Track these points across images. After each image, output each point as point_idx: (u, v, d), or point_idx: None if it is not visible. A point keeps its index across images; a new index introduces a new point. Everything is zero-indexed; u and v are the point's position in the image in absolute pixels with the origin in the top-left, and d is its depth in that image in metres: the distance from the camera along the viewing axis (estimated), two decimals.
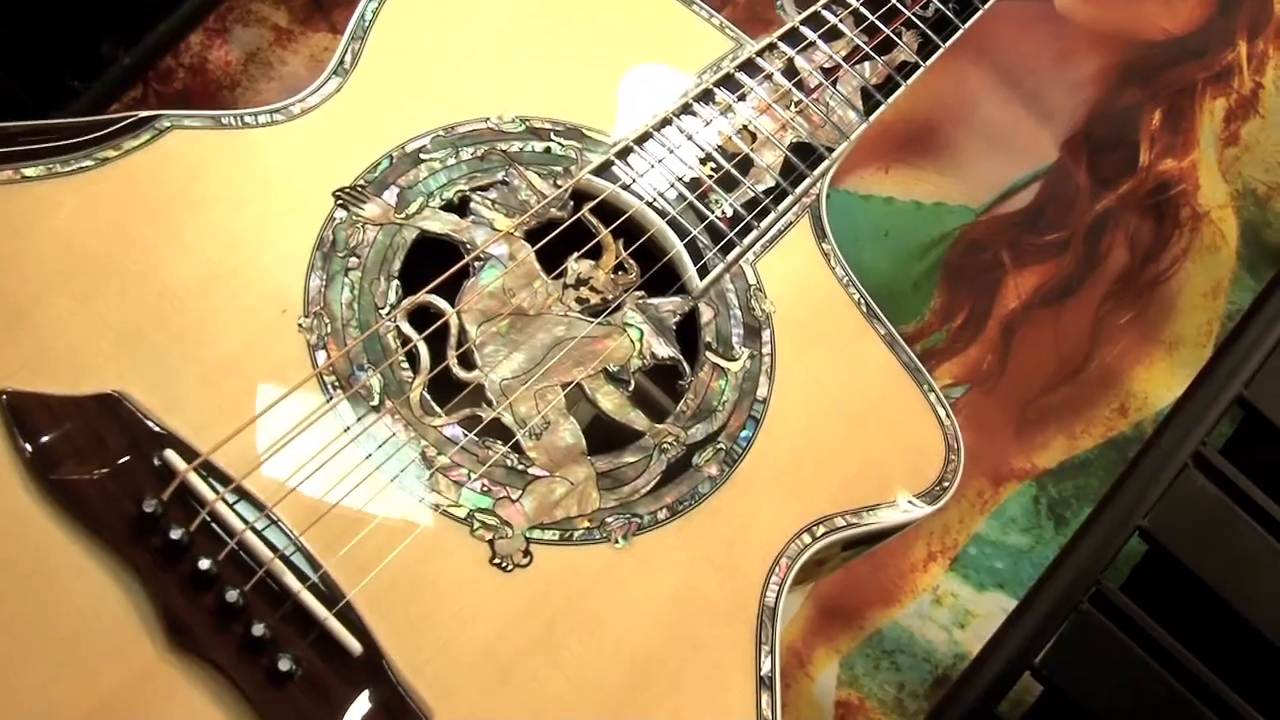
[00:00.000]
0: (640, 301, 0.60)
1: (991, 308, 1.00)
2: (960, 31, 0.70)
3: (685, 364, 0.59)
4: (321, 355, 0.55)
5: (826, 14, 0.69)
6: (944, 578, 0.96)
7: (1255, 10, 1.06)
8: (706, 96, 0.65)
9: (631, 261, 0.60)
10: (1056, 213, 1.01)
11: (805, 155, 0.65)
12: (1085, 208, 1.01)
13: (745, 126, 0.64)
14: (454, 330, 0.57)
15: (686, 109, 0.64)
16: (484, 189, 0.61)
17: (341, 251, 0.58)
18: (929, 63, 0.69)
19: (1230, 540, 0.84)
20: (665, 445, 0.57)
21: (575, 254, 0.60)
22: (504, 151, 0.62)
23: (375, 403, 0.54)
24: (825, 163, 0.64)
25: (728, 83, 0.66)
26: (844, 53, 0.68)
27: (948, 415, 0.63)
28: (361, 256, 0.58)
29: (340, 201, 0.59)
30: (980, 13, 0.71)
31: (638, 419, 0.58)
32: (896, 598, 0.95)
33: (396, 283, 0.58)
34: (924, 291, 0.99)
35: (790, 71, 0.66)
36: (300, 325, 0.55)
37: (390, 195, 0.60)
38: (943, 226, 1.00)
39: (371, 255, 0.58)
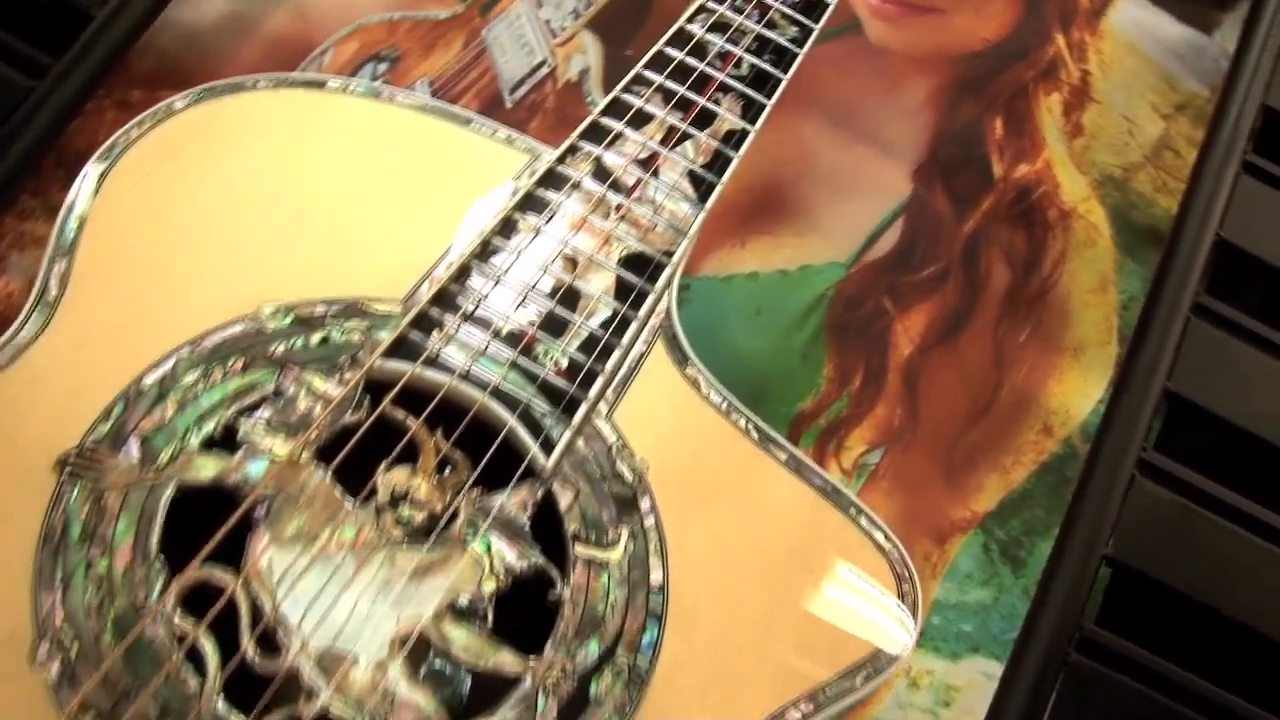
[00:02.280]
0: (478, 504, 0.42)
1: (887, 360, 0.83)
2: (784, 83, 0.55)
3: (553, 569, 0.42)
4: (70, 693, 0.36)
5: (629, 97, 0.53)
6: (914, 657, 0.79)
7: (1062, 1, 0.94)
8: (507, 228, 0.48)
9: (457, 455, 0.43)
10: (926, 246, 0.86)
11: (641, 268, 0.48)
12: (953, 233, 0.86)
13: (561, 252, 0.48)
14: (244, 606, 0.39)
15: (486, 249, 0.47)
16: (252, 409, 0.43)
17: (78, 541, 0.39)
18: (758, 126, 0.54)
19: (1197, 540, 0.71)
20: (551, 683, 0.40)
21: (384, 464, 0.42)
22: (270, 355, 0.44)
23: None
24: (667, 271, 0.48)
25: (529, 205, 0.49)
26: (659, 137, 0.52)
27: (887, 537, 0.46)
28: (106, 539, 0.40)
29: (66, 474, 0.40)
30: (800, 59, 0.56)
31: (507, 659, 0.39)
32: (869, 695, 0.77)
33: (159, 563, 0.40)
34: (813, 360, 0.83)
35: (601, 173, 0.50)
36: (36, 662, 0.37)
37: (132, 449, 0.41)
38: (815, 289, 0.84)
39: (119, 534, 0.40)
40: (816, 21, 0.57)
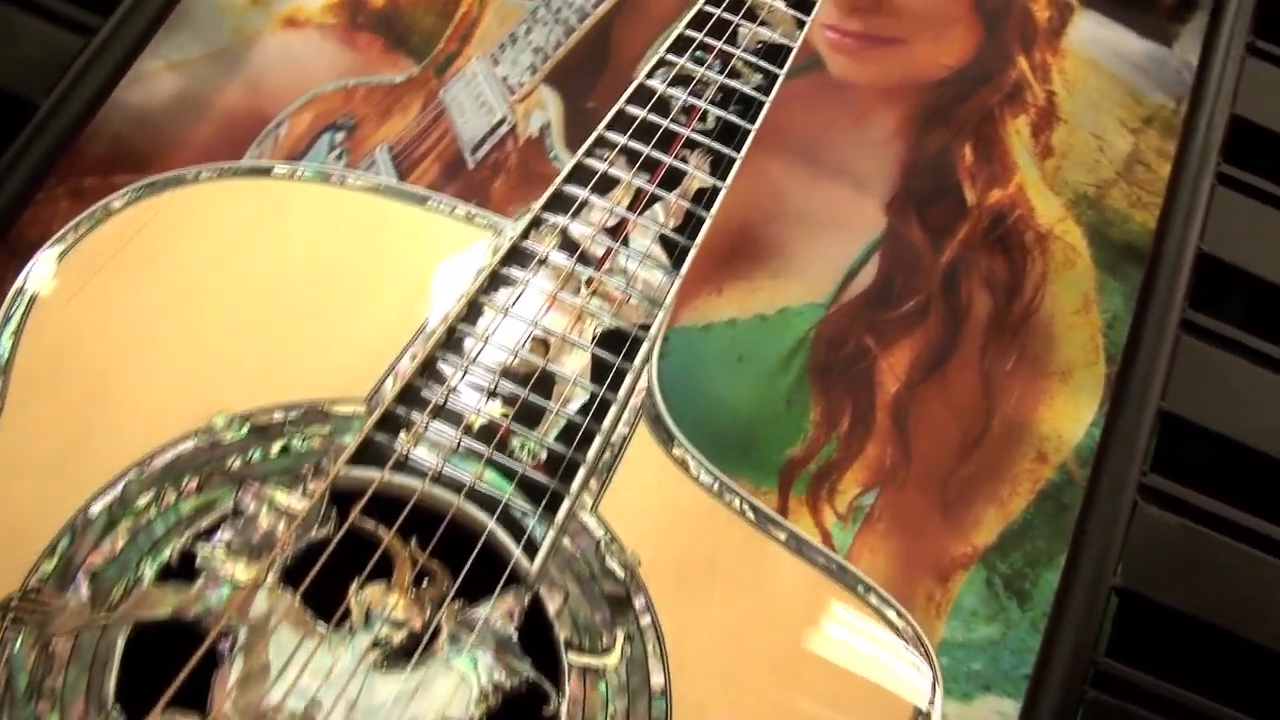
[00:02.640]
0: (461, 618, 0.39)
1: (874, 399, 0.80)
2: (752, 134, 0.52)
3: (546, 682, 0.38)
4: None
5: (591, 161, 0.49)
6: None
7: (1021, 23, 0.92)
8: (472, 313, 0.45)
9: (435, 565, 0.39)
10: (905, 279, 0.83)
11: (617, 346, 0.45)
12: (931, 265, 0.83)
13: (532, 334, 0.44)
14: None
15: (452, 337, 0.44)
16: (211, 532, 0.39)
17: (24, 696, 0.35)
18: (729, 181, 0.51)
19: (1205, 563, 0.69)
20: None
21: (356, 581, 0.39)
22: (227, 471, 0.40)
23: None
24: (645, 346, 0.44)
25: (494, 286, 0.46)
26: (626, 201, 0.49)
27: (899, 615, 0.43)
28: (56, 691, 0.36)
29: (9, 620, 0.36)
30: (767, 107, 0.53)
31: None
32: None
33: (116, 712, 0.36)
34: (799, 406, 0.79)
35: (568, 246, 0.47)
36: None
37: (81, 586, 0.38)
38: (795, 332, 0.81)
39: (70, 684, 0.36)
40: (781, 66, 0.54)
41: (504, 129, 0.82)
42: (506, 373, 0.43)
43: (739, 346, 0.80)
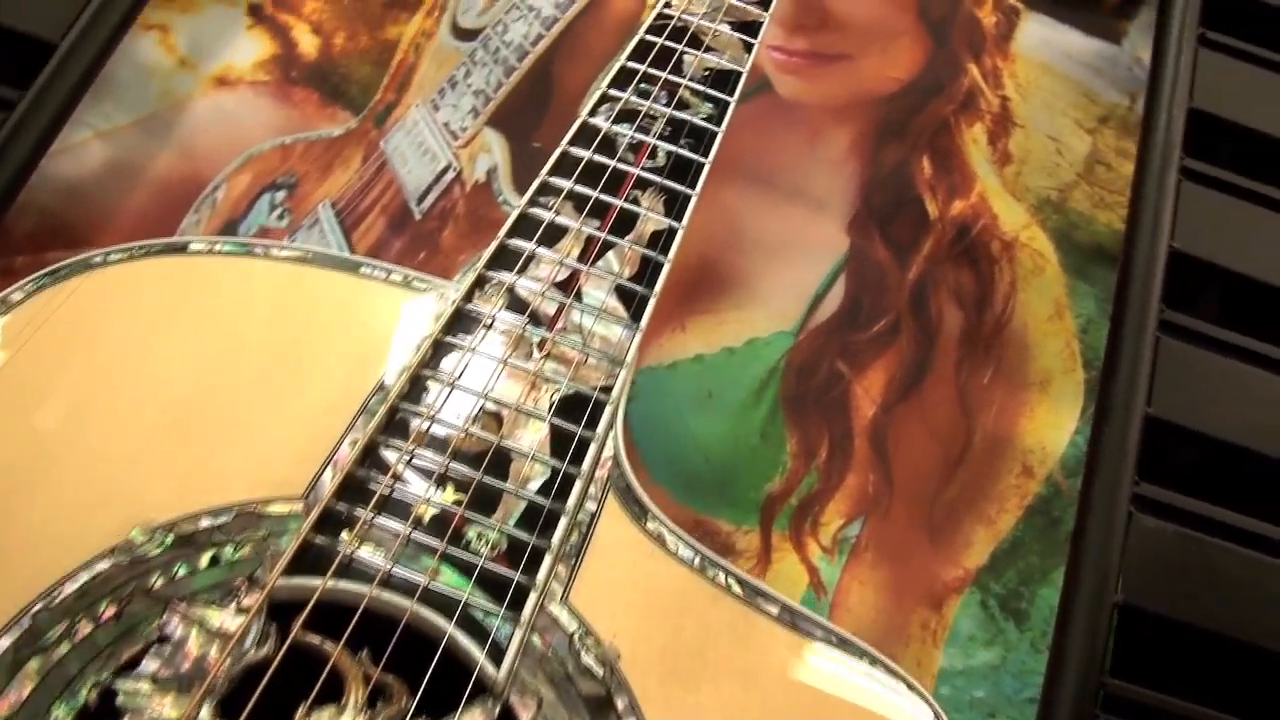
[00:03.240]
0: None
1: (851, 425, 0.76)
2: (707, 168, 0.47)
3: None
4: None
5: (536, 210, 0.45)
6: None
7: (968, 30, 0.88)
8: (415, 390, 0.40)
9: (391, 680, 0.34)
10: (872, 300, 0.79)
11: (577, 413, 0.40)
12: (898, 282, 0.79)
13: (483, 408, 0.39)
14: None
15: (394, 418, 0.39)
16: (134, 664, 0.34)
17: None
18: (685, 221, 0.46)
19: (1206, 570, 0.65)
20: None
21: (303, 706, 0.33)
22: (149, 591, 0.35)
23: None
24: (608, 411, 0.39)
25: (437, 357, 0.41)
26: (576, 251, 0.44)
27: (910, 687, 0.38)
28: None
29: None
30: (720, 137, 0.49)
31: None
32: None
33: None
34: (774, 438, 0.75)
35: (516, 305, 0.42)
36: None
37: None
38: (765, 362, 0.76)
39: None
40: (731, 93, 0.49)
41: (449, 176, 0.77)
42: (457, 454, 0.38)
43: (708, 383, 0.75)
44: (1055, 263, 0.81)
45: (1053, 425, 0.77)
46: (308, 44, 0.83)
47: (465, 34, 0.84)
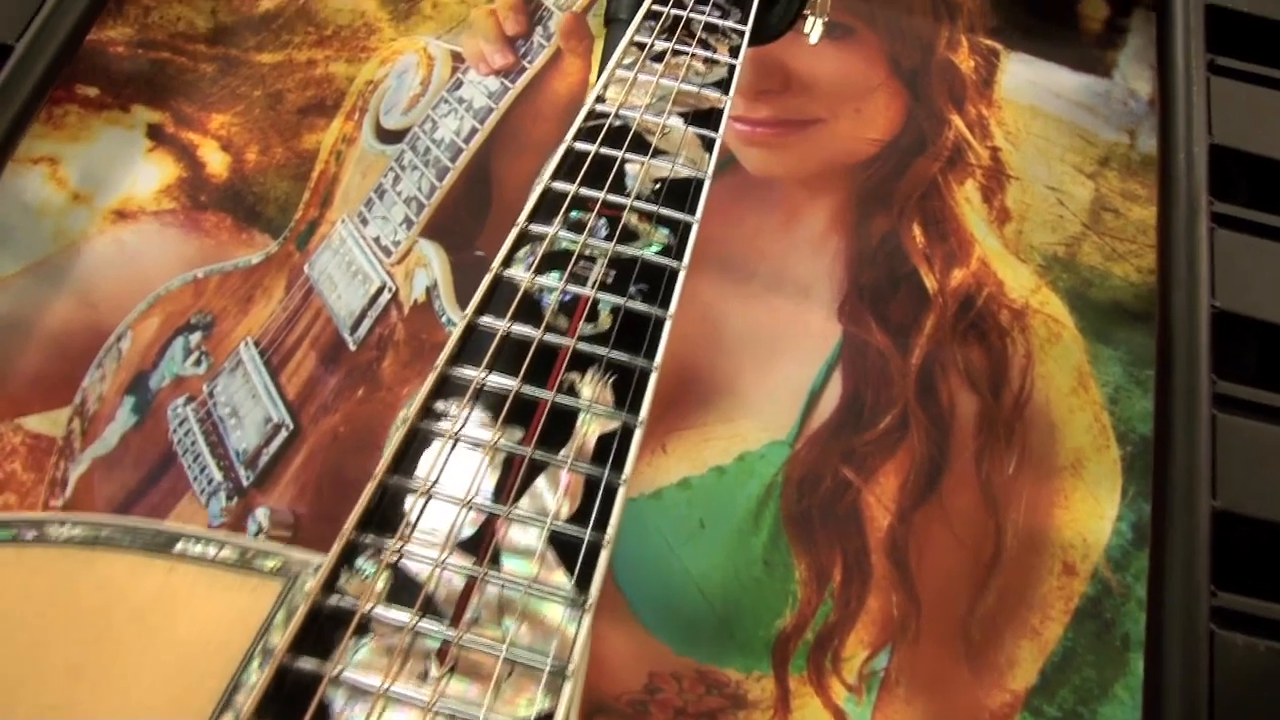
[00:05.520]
0: None
1: (865, 541, 0.62)
2: (668, 324, 0.33)
3: None
4: None
5: (428, 425, 0.31)
6: None
7: (945, 78, 0.75)
8: None
9: None
10: (874, 393, 0.65)
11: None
12: (901, 369, 0.66)
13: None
14: None
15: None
16: None
17: None
18: (644, 412, 0.32)
19: None
20: None
21: None
22: None
23: None
24: (569, 688, 0.25)
25: (280, 688, 0.26)
26: (490, 486, 0.30)
27: None
28: None
29: None
30: (683, 275, 0.35)
31: None
32: None
33: None
34: (780, 565, 0.61)
35: (403, 590, 0.28)
36: None
37: None
38: (761, 479, 0.63)
39: None
40: (692, 211, 0.36)
41: (385, 298, 0.64)
42: None
43: (698, 510, 0.61)
44: (1072, 327, 0.68)
45: (1092, 514, 0.63)
46: (217, 163, 0.70)
47: (391, 136, 0.70)
